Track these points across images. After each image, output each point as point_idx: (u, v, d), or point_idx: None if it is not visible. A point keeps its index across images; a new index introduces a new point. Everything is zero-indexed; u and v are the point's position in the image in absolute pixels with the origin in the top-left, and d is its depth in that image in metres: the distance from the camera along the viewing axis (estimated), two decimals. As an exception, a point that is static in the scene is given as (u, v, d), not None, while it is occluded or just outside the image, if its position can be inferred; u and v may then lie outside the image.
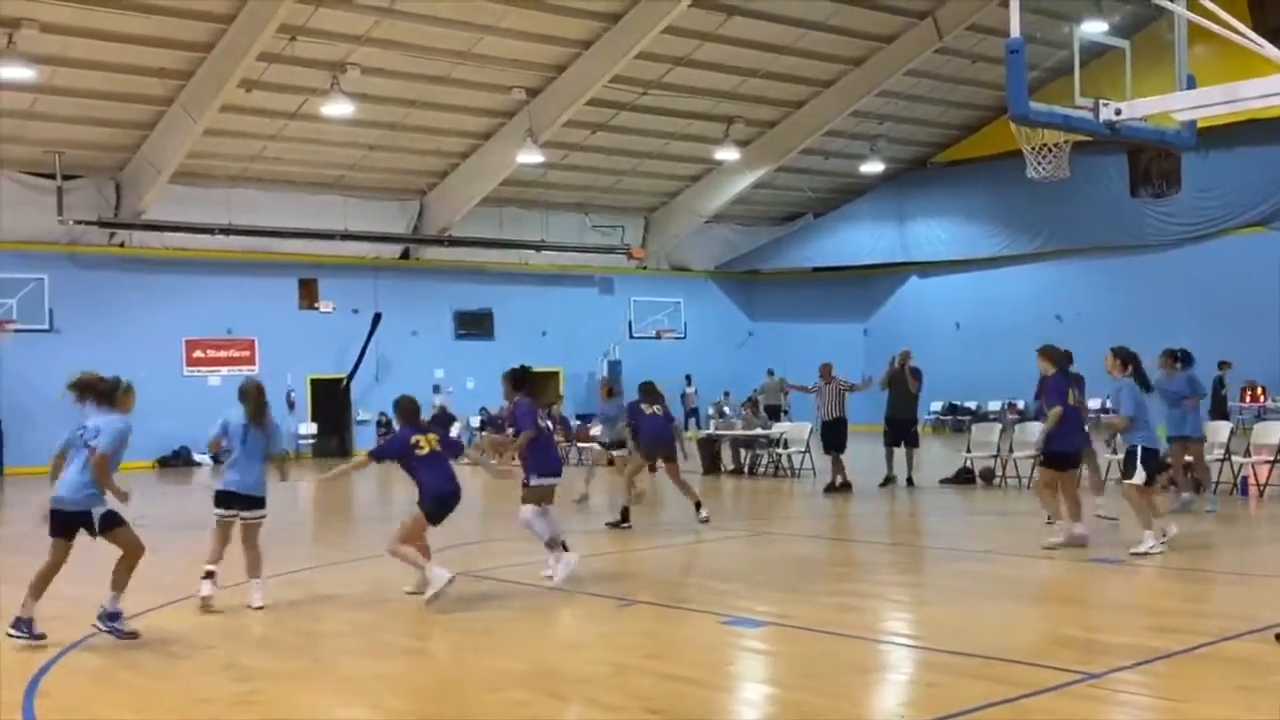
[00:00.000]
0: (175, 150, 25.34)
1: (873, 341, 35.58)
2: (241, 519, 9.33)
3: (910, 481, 17.66)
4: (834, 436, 17.77)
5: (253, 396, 10.03)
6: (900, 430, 18.06)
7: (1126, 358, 11.06)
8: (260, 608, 9.08)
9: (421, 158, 29.51)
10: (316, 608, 9.54)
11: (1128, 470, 10.86)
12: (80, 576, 11.32)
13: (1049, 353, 11.78)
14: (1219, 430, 16.62)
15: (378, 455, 9.99)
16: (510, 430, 10.91)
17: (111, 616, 8.06)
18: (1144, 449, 10.79)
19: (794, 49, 27.69)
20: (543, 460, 10.24)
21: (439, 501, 9.38)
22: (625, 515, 13.97)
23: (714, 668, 7.32)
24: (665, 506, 16.35)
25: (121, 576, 8.15)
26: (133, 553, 8.18)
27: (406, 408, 9.89)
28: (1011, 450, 17.67)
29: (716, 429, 23.10)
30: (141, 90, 24.18)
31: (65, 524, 8.18)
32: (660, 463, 14.59)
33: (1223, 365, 25.05)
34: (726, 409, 28.98)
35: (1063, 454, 11.39)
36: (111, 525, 8.17)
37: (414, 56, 24.71)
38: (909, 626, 8.38)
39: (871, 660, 7.39)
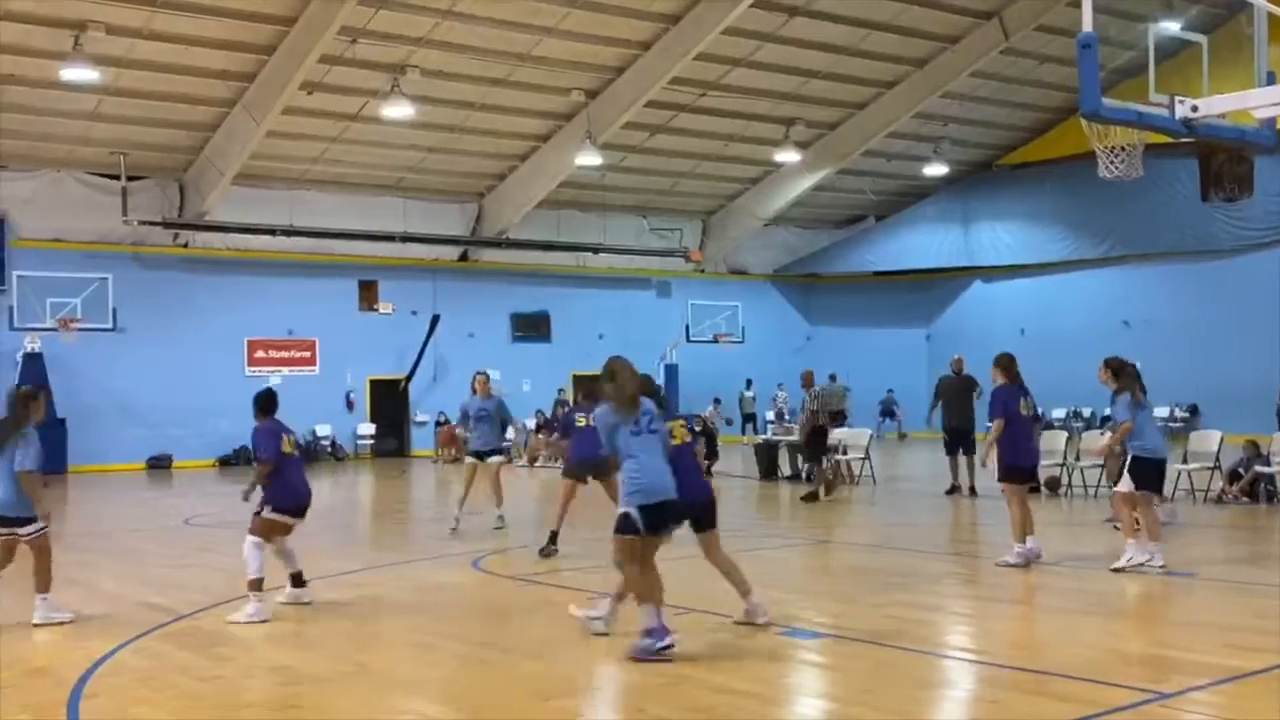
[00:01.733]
0: (238, 152, 25.55)
1: (935, 347, 35.07)
2: (16, 536, 8.69)
3: (973, 490, 17.31)
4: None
5: (12, 404, 8.85)
6: (958, 438, 17.76)
7: (1118, 368, 10.79)
8: (37, 624, 8.58)
9: (480, 160, 29.53)
10: (364, 610, 9.46)
11: (1118, 478, 10.69)
12: (127, 574, 11.40)
13: (1001, 362, 11.20)
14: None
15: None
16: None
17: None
18: (1135, 458, 10.51)
19: (857, 50, 27.38)
20: (284, 494, 9.08)
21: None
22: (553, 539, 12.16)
23: (771, 680, 7.12)
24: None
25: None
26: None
27: (269, 402, 9.31)
28: (1078, 459, 17.26)
29: (774, 434, 22.83)
30: (205, 92, 24.41)
31: None
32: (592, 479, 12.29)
33: None
34: (786, 413, 28.69)
35: (1019, 468, 10.92)
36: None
37: (474, 58, 24.72)
38: (970, 640, 8.11)
39: (932, 675, 7.14)
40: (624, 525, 7.55)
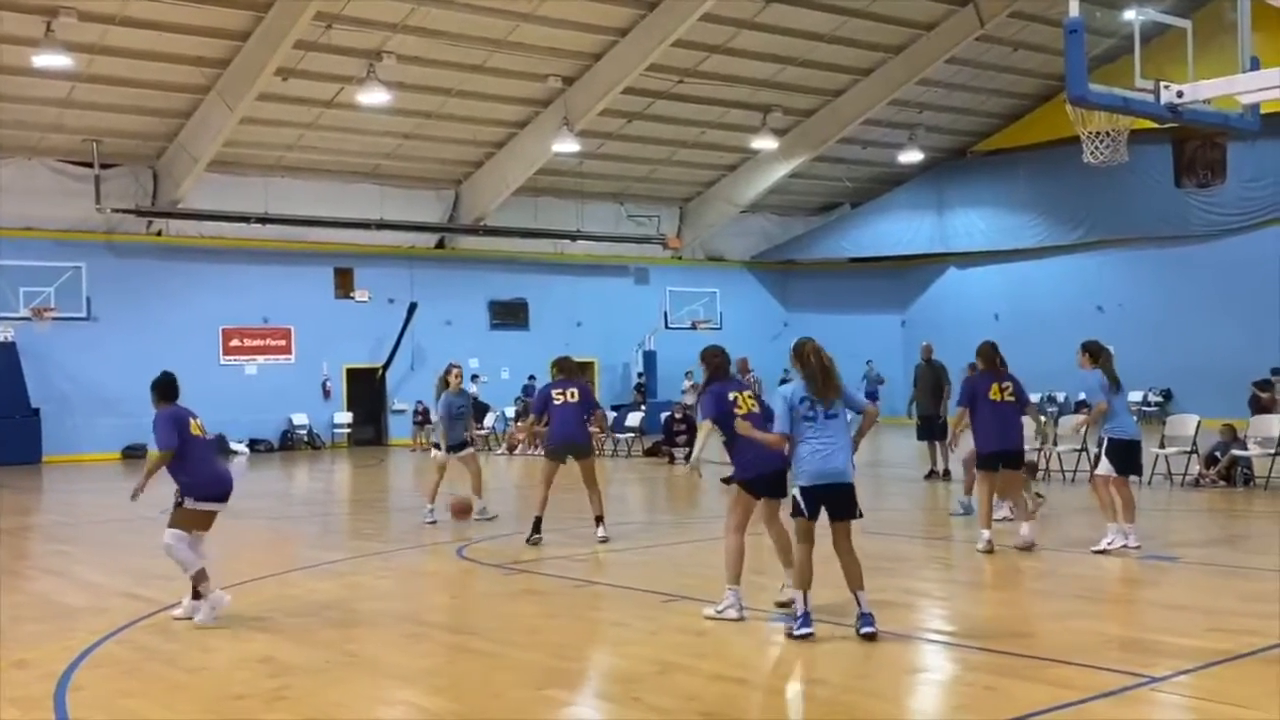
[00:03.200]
0: (212, 139, 25.33)
1: (910, 333, 35.20)
2: None
3: (947, 474, 17.42)
4: None
5: None
6: (929, 424, 17.95)
7: (1095, 351, 10.82)
8: None
9: (457, 147, 29.40)
10: (350, 600, 9.41)
11: (1096, 461, 10.80)
12: (107, 565, 11.31)
13: (978, 349, 11.23)
14: (1269, 424, 16.26)
15: (169, 444, 8.36)
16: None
17: None
18: (1110, 440, 10.61)
19: (833, 37, 27.37)
20: (201, 481, 8.44)
21: (221, 485, 8.54)
22: (537, 526, 11.95)
23: (763, 667, 7.13)
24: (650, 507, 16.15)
25: None
26: None
27: (167, 388, 8.66)
28: (1055, 443, 17.35)
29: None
30: (178, 79, 24.19)
31: None
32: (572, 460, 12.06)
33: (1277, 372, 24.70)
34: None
35: (982, 454, 10.91)
36: None
37: (450, 44, 24.58)
38: (959, 625, 8.13)
39: (924, 660, 7.16)
40: (793, 508, 7.59)
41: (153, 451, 8.34)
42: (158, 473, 8.46)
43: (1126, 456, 10.69)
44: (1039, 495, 12.86)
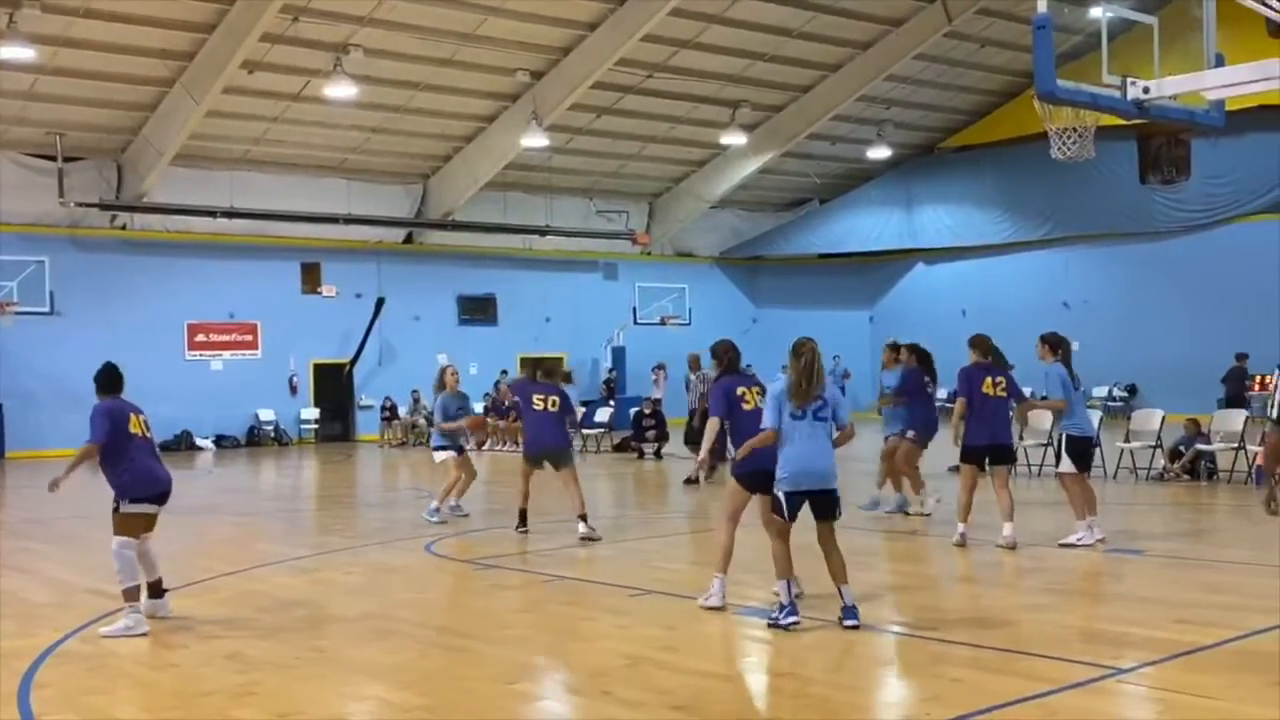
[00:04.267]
0: (177, 132, 25.10)
1: (879, 329, 35.36)
2: None
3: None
4: (696, 428, 17.68)
5: None
6: None
7: (1055, 344, 10.86)
8: None
9: (425, 141, 29.27)
10: (319, 596, 9.36)
11: (1058, 458, 10.84)
12: (72, 561, 11.19)
13: (971, 341, 11.13)
14: (1232, 419, 16.44)
15: (99, 437, 8.02)
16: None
17: None
18: (1069, 436, 10.73)
19: (802, 32, 27.41)
20: (136, 481, 8.04)
21: (157, 485, 8.11)
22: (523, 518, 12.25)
23: (732, 661, 7.14)
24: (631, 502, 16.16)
25: None
26: None
27: (109, 379, 8.31)
28: (1022, 438, 17.45)
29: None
30: (143, 71, 23.95)
31: None
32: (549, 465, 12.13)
33: (1240, 357, 24.93)
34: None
35: (977, 447, 10.80)
36: None
37: (418, 38, 24.45)
38: (930, 618, 8.16)
39: (894, 653, 7.20)
40: (773, 506, 7.68)
41: (85, 444, 8.01)
42: (81, 466, 8.08)
43: (1086, 453, 10.86)
44: (937, 500, 12.62)
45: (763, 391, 8.30)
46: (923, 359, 13.21)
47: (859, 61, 29.08)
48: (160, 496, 8.16)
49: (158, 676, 6.94)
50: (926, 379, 13.26)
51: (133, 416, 8.14)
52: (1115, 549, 10.38)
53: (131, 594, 7.87)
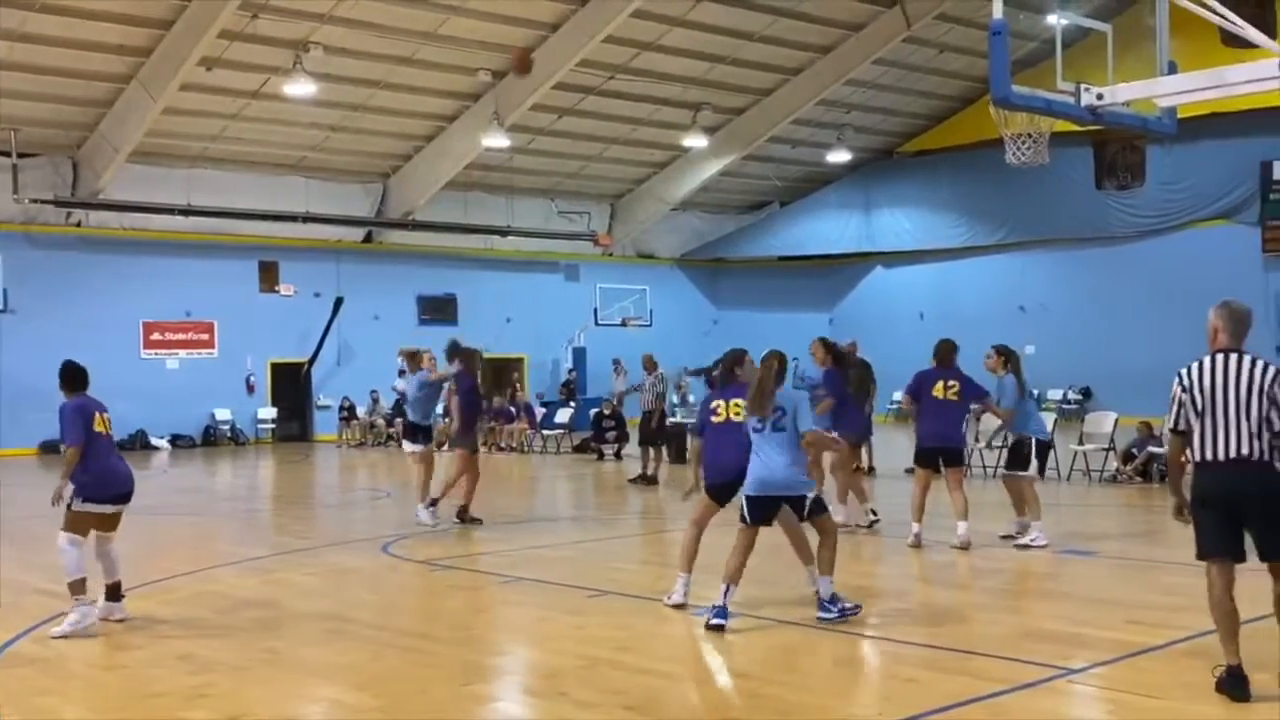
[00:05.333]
0: (134, 129, 24.85)
1: (838, 330, 35.30)
2: None
3: (871, 469, 17.63)
4: (649, 429, 17.78)
5: None
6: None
7: (1008, 354, 11.18)
8: None
9: (385, 140, 29.13)
10: (273, 596, 9.29)
11: (1020, 462, 11.00)
12: (25, 561, 11.05)
13: (937, 346, 11.30)
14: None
15: (76, 439, 7.87)
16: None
17: None
18: (1038, 441, 11.04)
19: (763, 36, 27.52)
20: (92, 480, 7.90)
21: (113, 485, 7.94)
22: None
23: (687, 661, 7.16)
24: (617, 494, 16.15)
25: None
26: None
27: (74, 376, 8.13)
28: (977, 440, 17.60)
29: (682, 417, 22.93)
30: (99, 67, 23.69)
31: None
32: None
33: None
34: (690, 396, 28.83)
35: (927, 449, 11.04)
36: None
37: (378, 36, 24.33)
38: (884, 619, 8.23)
39: (848, 653, 7.24)
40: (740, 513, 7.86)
41: (66, 449, 7.88)
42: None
43: (1045, 457, 11.23)
44: (873, 513, 12.38)
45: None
46: (838, 360, 13.04)
47: (819, 66, 29.23)
48: (119, 497, 8.03)
49: (109, 678, 6.87)
50: (852, 387, 13.13)
51: (98, 415, 8.03)
52: (1068, 550, 10.50)
53: (77, 587, 7.74)
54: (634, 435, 20.45)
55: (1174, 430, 6.09)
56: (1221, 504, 5.89)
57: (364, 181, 30.64)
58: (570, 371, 33.59)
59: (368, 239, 31.58)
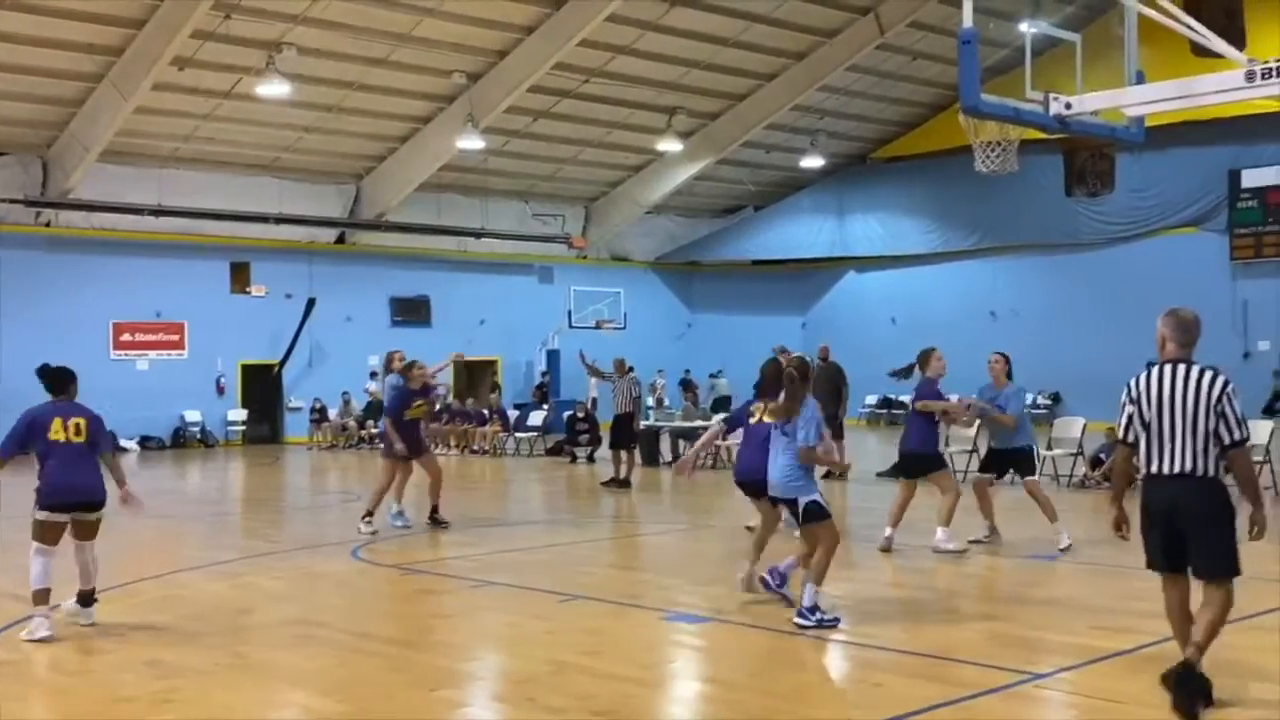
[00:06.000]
0: (105, 128, 24.66)
1: (811, 334, 35.60)
2: None
3: (843, 474, 17.64)
4: (622, 431, 17.81)
5: None
6: (828, 424, 18.16)
7: (1008, 361, 11.53)
8: None
9: (358, 141, 29.03)
10: (241, 601, 9.25)
11: (1030, 468, 11.28)
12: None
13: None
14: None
15: (4, 452, 7.87)
16: None
17: None
18: (1031, 448, 11.42)
19: (737, 41, 27.59)
20: (48, 490, 7.77)
21: (59, 494, 7.77)
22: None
23: (656, 666, 7.16)
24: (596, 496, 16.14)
25: None
26: None
27: (50, 380, 8.06)
28: (947, 444, 17.66)
29: (655, 420, 22.98)
30: (70, 66, 23.50)
31: None
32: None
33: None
34: (665, 399, 28.90)
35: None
36: None
37: (352, 37, 24.25)
38: (854, 624, 8.26)
39: (816, 658, 7.26)
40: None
41: None
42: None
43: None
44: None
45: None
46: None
47: (793, 71, 29.33)
48: (73, 506, 7.80)
49: (74, 683, 6.82)
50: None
51: (56, 421, 7.79)
52: (1035, 555, 10.57)
53: (37, 597, 7.67)
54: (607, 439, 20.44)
55: (1123, 441, 6.04)
56: (1165, 518, 5.84)
57: (337, 182, 30.53)
58: (544, 374, 33.57)
59: (340, 240, 31.46)
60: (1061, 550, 10.64)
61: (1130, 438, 5.98)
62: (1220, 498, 5.77)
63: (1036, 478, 11.40)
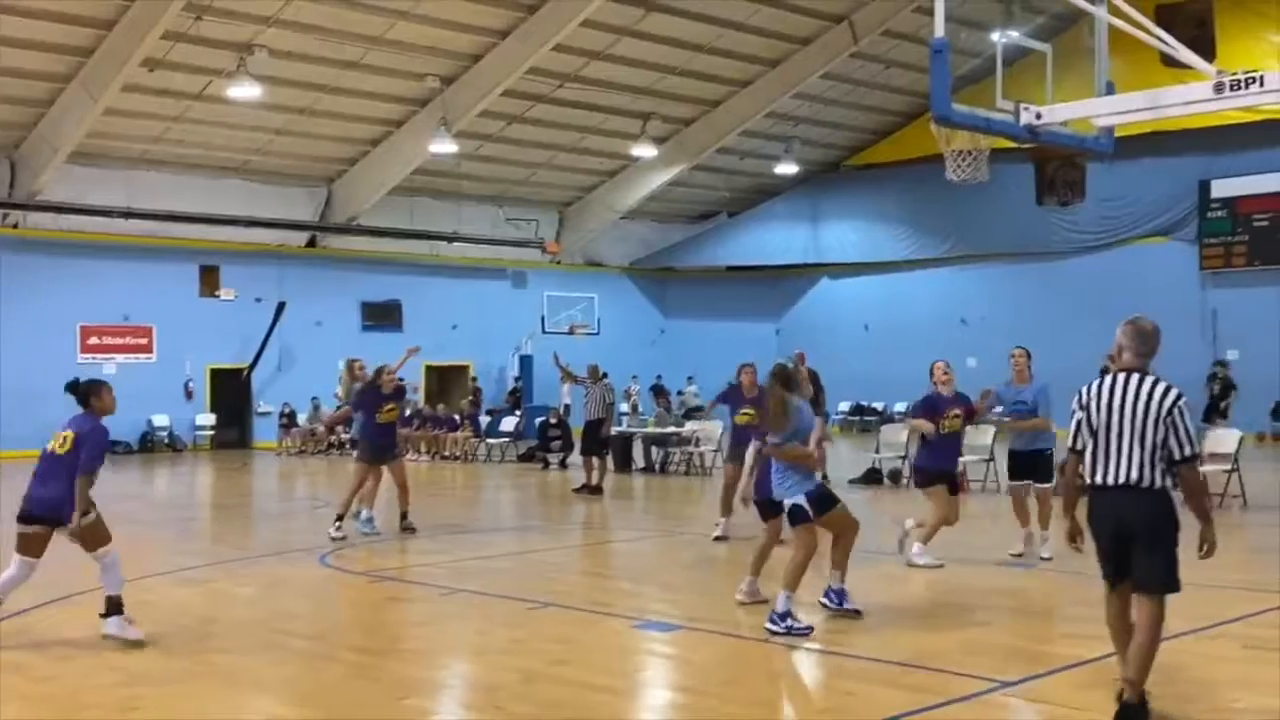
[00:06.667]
0: (74, 129, 24.47)
1: (785, 341, 35.67)
2: None
3: (825, 479, 17.67)
4: (593, 437, 17.74)
5: None
6: None
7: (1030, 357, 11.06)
8: None
9: (330, 144, 28.90)
10: (208, 607, 9.16)
11: (1049, 473, 10.78)
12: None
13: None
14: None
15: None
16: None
17: None
18: (1053, 452, 10.85)
19: (712, 48, 27.64)
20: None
21: (22, 507, 7.72)
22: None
23: (626, 674, 7.13)
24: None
25: None
26: None
27: (74, 393, 8.05)
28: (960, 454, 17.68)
29: (628, 426, 22.96)
30: (39, 66, 23.31)
31: None
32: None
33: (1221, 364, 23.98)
34: (639, 405, 28.87)
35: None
36: None
37: (325, 40, 24.15)
38: (825, 631, 8.25)
39: (787, 666, 7.25)
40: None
41: None
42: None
43: None
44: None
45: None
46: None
47: (768, 78, 29.42)
48: (20, 517, 7.69)
49: (40, 690, 6.73)
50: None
51: (55, 432, 7.89)
52: (1005, 563, 10.59)
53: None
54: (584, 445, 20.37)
55: (1073, 449, 5.93)
56: (1111, 529, 5.74)
57: (308, 185, 30.38)
58: (516, 380, 33.49)
59: (311, 244, 31.30)
60: (1043, 558, 10.48)
61: (1079, 445, 5.88)
62: (1165, 510, 5.67)
63: (1052, 485, 10.78)
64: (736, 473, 11.61)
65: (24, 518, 7.70)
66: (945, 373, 10.72)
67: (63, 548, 7.87)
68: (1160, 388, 5.66)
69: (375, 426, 12.83)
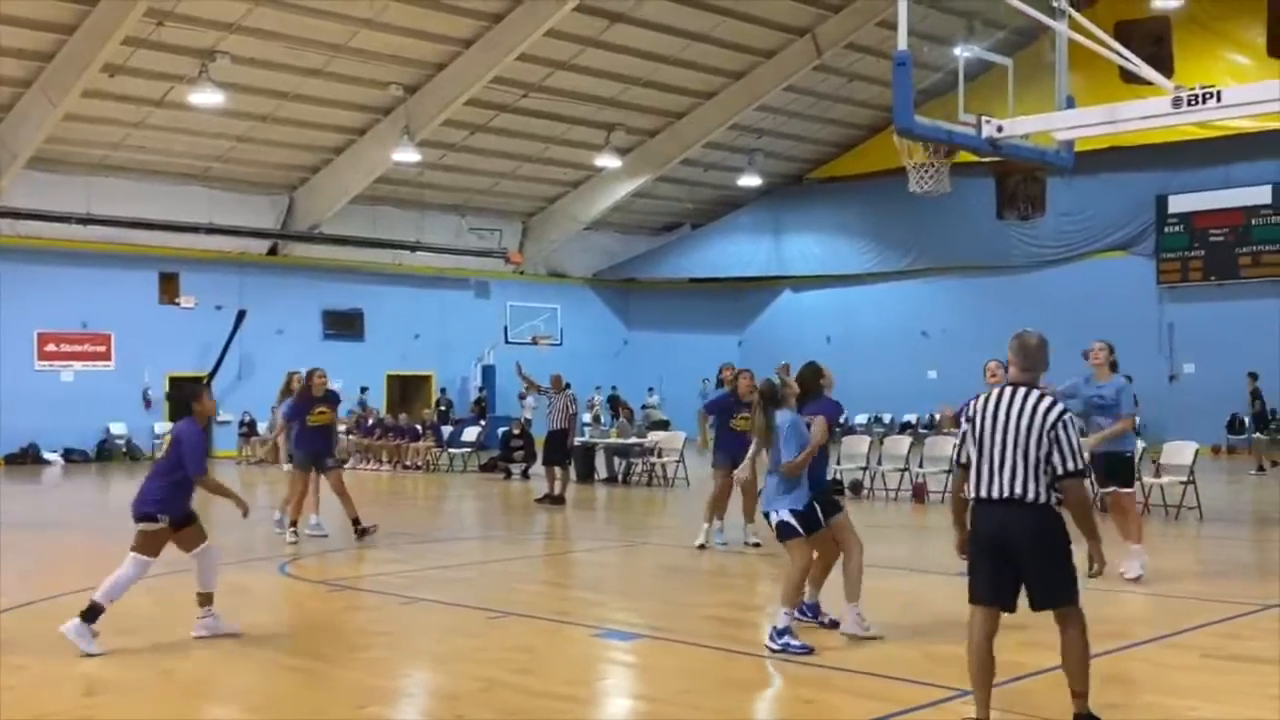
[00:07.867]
0: (32, 135, 24.21)
1: (747, 353, 35.77)
2: None
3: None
4: (556, 447, 17.72)
5: None
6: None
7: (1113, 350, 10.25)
8: None
9: (292, 151, 28.75)
10: (166, 616, 9.06)
11: (1130, 477, 10.30)
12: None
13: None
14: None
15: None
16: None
17: None
18: (1133, 455, 10.45)
19: (676, 59, 27.74)
20: None
21: None
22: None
23: (586, 683, 7.12)
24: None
25: None
26: None
27: (177, 400, 8.40)
28: (880, 462, 17.85)
29: (591, 437, 22.95)
30: (-3, 70, 23.10)
31: None
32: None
33: (1253, 376, 23.95)
34: (601, 415, 28.85)
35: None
36: None
37: (288, 47, 24.04)
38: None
39: (748, 675, 7.25)
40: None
41: None
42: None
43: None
44: (757, 544, 11.99)
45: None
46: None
47: (731, 90, 29.54)
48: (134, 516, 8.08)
49: (-9, 699, 6.63)
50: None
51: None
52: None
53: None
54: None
55: (958, 462, 5.86)
56: (993, 545, 5.62)
57: (269, 193, 30.20)
58: (480, 390, 33.38)
59: (272, 251, 31.10)
60: (1128, 578, 9.38)
61: (964, 459, 5.79)
62: (1051, 524, 5.57)
63: (1133, 490, 10.28)
64: (727, 479, 11.67)
65: (137, 517, 8.09)
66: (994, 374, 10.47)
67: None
68: (1045, 402, 5.58)
69: (307, 430, 12.80)
